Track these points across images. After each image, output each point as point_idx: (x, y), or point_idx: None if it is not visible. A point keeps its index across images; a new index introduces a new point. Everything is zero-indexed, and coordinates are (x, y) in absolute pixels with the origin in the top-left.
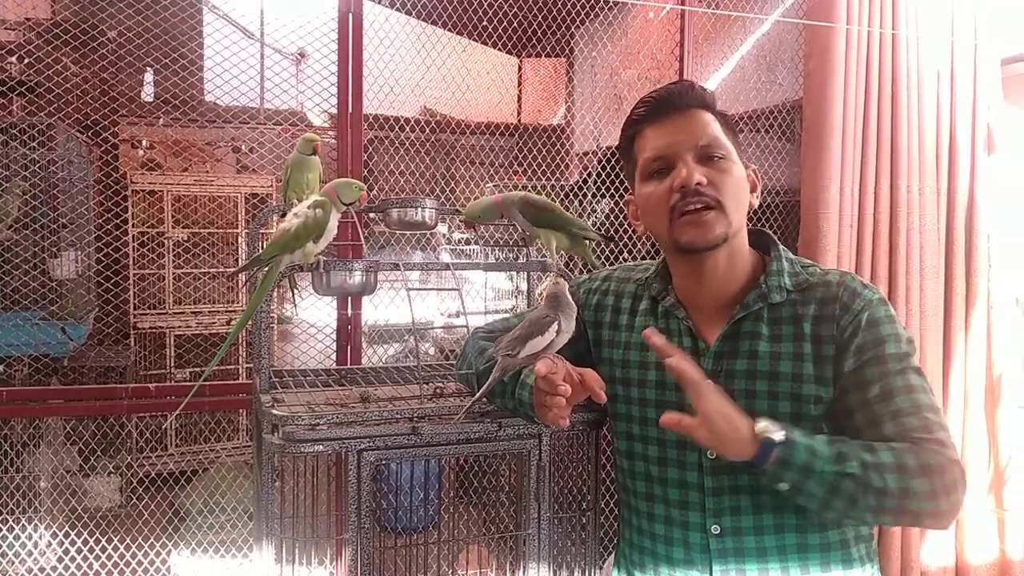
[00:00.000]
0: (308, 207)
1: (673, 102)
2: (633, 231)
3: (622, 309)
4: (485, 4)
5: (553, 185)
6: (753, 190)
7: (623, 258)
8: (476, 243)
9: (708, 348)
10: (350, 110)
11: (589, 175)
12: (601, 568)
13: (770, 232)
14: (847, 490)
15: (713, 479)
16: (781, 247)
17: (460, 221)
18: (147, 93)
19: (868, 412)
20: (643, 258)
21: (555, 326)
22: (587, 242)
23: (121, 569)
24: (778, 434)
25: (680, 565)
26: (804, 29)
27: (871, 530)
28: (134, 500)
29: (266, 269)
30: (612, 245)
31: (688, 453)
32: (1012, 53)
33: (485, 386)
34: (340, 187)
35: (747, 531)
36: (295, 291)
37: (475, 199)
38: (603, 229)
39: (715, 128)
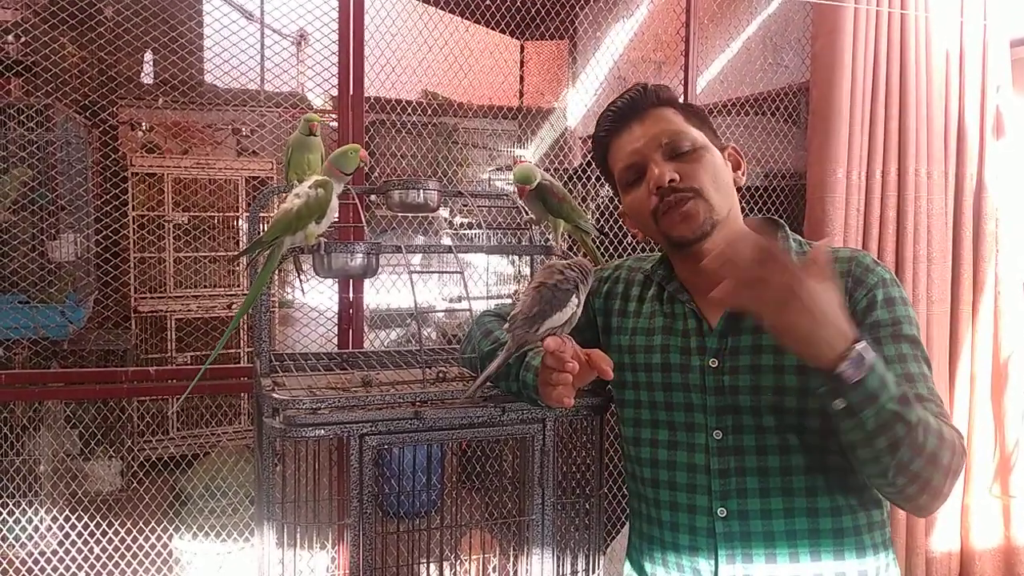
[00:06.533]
0: (309, 187)
1: (630, 110)
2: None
3: (631, 296)
4: None
5: (556, 169)
6: (737, 168)
7: (627, 242)
8: (478, 227)
9: (712, 329)
10: (351, 92)
11: (593, 158)
12: (604, 553)
13: (779, 219)
14: (897, 434)
15: (719, 460)
16: (789, 231)
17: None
18: (146, 74)
19: None
20: (644, 249)
21: (574, 299)
22: (586, 234)
23: (122, 553)
24: (869, 355)
25: (686, 551)
26: (811, 9)
27: (885, 516)
28: (135, 484)
29: (268, 252)
30: (615, 230)
31: (696, 435)
32: (1021, 34)
33: (498, 360)
34: (337, 158)
35: (754, 514)
36: (300, 273)
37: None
38: (605, 214)
39: (677, 122)
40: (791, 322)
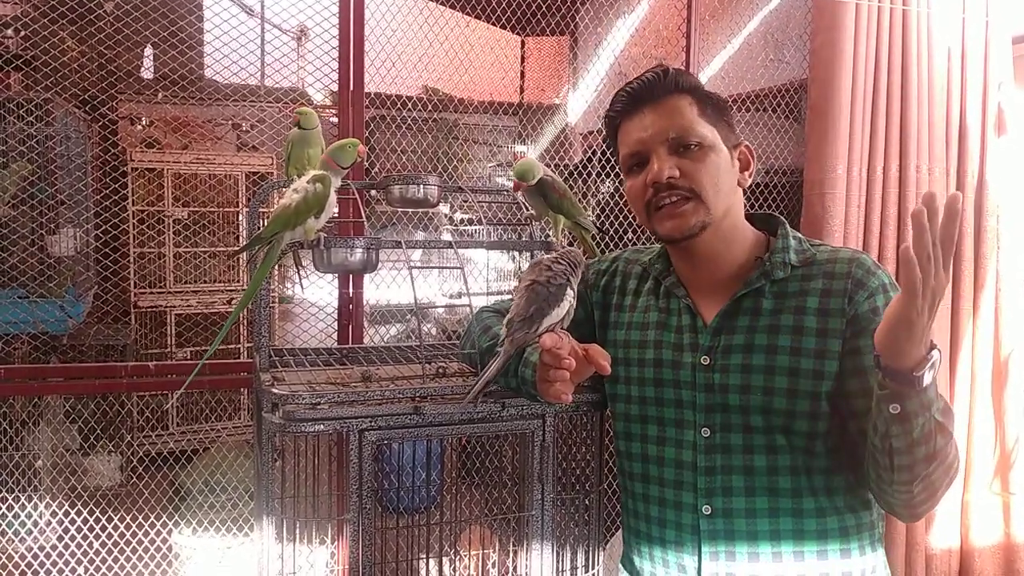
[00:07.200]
0: (308, 182)
1: (646, 93)
2: (634, 217)
3: (627, 290)
4: None
5: (557, 164)
6: (745, 168)
7: (627, 238)
8: (479, 222)
9: (707, 325)
10: (351, 88)
11: (593, 154)
12: (604, 549)
13: (781, 216)
14: (936, 445)
15: (705, 458)
16: (789, 228)
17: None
18: (146, 69)
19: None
20: (643, 243)
21: (568, 292)
22: (585, 231)
23: (122, 548)
24: (936, 366)
25: (672, 547)
26: (812, 5)
27: (874, 517)
28: (134, 479)
29: (267, 247)
30: (615, 226)
31: (685, 432)
32: (1023, 31)
33: (496, 363)
34: (335, 152)
35: (738, 513)
36: (300, 268)
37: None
38: (605, 210)
39: (690, 115)
40: (928, 315)
